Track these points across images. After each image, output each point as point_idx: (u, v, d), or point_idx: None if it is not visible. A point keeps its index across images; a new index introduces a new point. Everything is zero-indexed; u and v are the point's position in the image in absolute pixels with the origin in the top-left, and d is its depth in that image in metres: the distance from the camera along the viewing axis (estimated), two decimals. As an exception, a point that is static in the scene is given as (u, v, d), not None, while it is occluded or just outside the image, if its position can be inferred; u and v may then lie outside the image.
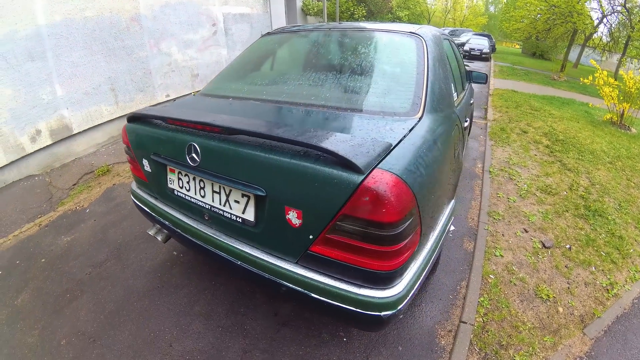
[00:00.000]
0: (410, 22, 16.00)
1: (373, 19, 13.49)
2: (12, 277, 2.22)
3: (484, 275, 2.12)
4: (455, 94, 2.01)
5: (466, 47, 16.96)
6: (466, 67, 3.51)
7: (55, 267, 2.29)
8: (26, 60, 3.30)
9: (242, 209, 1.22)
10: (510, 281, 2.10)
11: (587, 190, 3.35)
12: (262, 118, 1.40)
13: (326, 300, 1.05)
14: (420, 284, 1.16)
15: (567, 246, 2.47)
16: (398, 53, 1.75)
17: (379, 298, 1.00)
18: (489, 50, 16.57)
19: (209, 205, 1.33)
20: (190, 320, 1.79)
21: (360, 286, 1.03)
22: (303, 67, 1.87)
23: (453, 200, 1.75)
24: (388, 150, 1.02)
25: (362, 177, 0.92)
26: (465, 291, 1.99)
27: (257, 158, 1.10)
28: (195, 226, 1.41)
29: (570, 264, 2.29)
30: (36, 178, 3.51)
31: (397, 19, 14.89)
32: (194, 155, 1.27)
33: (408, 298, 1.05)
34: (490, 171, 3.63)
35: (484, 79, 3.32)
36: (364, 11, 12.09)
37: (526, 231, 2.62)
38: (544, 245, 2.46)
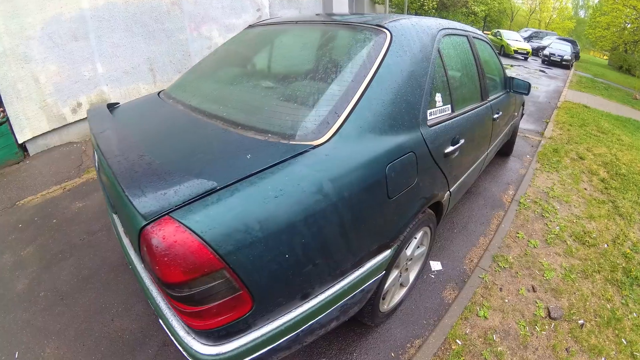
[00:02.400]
0: (480, 18, 14.00)
1: (445, 13, 12.12)
2: (28, 231, 2.47)
3: (448, 337, 1.72)
4: (446, 107, 1.59)
5: (546, 52, 14.66)
6: (507, 74, 2.85)
7: (60, 229, 2.50)
8: (70, 40, 3.55)
9: None
10: (482, 354, 1.67)
11: (635, 248, 2.55)
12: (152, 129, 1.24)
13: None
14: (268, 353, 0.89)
15: (580, 321, 1.89)
16: (342, 54, 1.37)
17: (199, 353, 0.81)
18: (570, 58, 14.17)
19: None
20: (135, 301, 1.85)
21: (187, 334, 0.85)
22: (242, 68, 1.65)
23: (389, 251, 1.26)
24: (202, 193, 0.74)
25: (143, 223, 0.70)
26: (414, 353, 1.64)
27: None
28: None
29: (575, 347, 1.75)
30: (74, 145, 3.86)
31: (472, 14, 13.15)
32: None
33: None
34: (520, 202, 2.99)
35: (526, 89, 2.69)
36: (434, 3, 10.86)
37: (534, 290, 2.08)
38: (549, 314, 1.92)
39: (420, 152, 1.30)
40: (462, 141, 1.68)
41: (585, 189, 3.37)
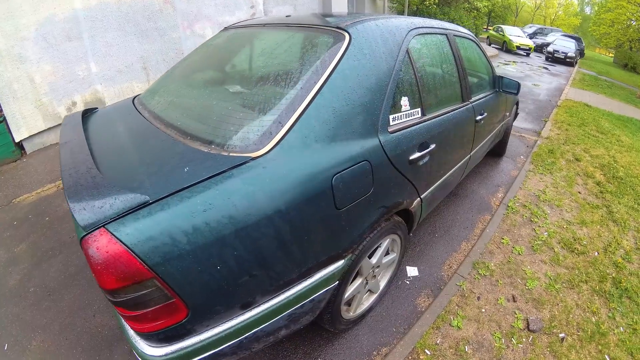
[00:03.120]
0: (483, 14, 13.50)
1: (447, 8, 11.74)
2: (22, 228, 2.49)
3: (417, 347, 1.64)
4: (414, 111, 1.50)
5: (550, 49, 14.21)
6: (495, 72, 2.71)
7: (52, 226, 2.51)
8: (64, 40, 3.54)
9: None
10: (450, 367, 1.58)
11: (627, 257, 2.40)
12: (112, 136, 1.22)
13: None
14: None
15: (561, 335, 1.78)
16: (296, 60, 1.30)
17: (145, 353, 0.87)
18: (574, 55, 13.71)
19: None
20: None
21: (136, 334, 0.91)
22: (204, 74, 1.60)
23: (342, 262, 1.21)
24: (134, 207, 0.75)
25: (82, 234, 0.73)
26: (380, 364, 1.56)
27: None
28: None
29: (551, 364, 1.65)
30: (70, 145, 3.86)
31: (475, 10, 12.69)
32: None
33: None
34: (509, 206, 2.85)
35: (515, 89, 2.55)
36: None
37: (514, 300, 1.97)
38: (527, 327, 1.81)
39: (377, 161, 1.23)
40: (432, 146, 1.58)
41: (579, 192, 3.20)
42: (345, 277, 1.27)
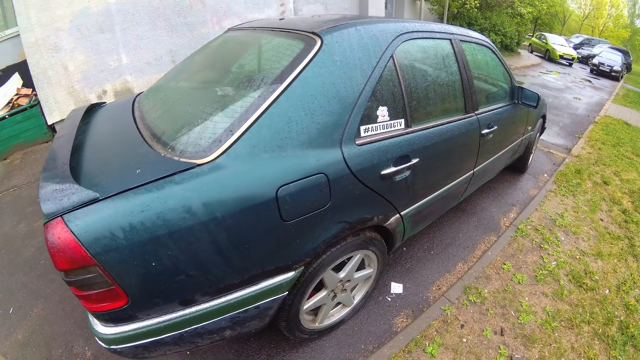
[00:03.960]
0: (527, 20, 12.50)
1: (489, 13, 11.02)
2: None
3: (383, 374, 1.53)
4: (395, 122, 1.39)
5: (595, 61, 13.15)
6: (514, 83, 2.47)
7: None
8: (97, 32, 3.73)
9: None
10: (414, 399, 1.46)
11: None
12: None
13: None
14: (150, 342, 0.99)
15: (549, 381, 1.58)
16: (264, 66, 1.29)
17: (96, 330, 0.98)
18: (620, 69, 12.60)
19: None
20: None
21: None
22: (189, 76, 1.59)
23: (291, 273, 1.17)
24: (86, 202, 0.84)
25: (45, 221, 0.84)
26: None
27: None
28: None
29: (530, 412, 1.46)
30: (98, 129, 4.10)
31: (518, 16, 11.80)
32: None
33: (123, 345, 0.97)
34: (519, 228, 2.60)
35: (534, 101, 2.32)
36: (477, 2, 9.90)
37: (502, 333, 1.78)
38: (511, 364, 1.63)
39: (336, 174, 1.15)
40: (415, 161, 1.45)
41: (601, 220, 2.85)
42: (299, 288, 1.24)
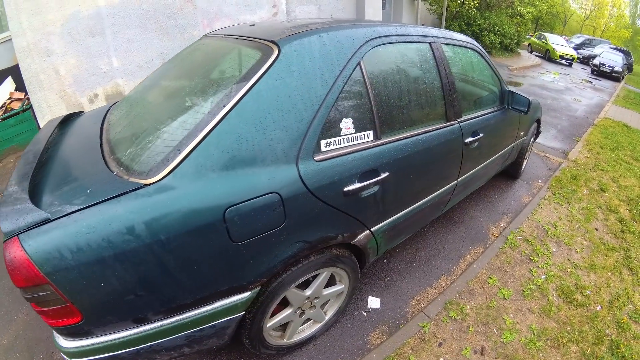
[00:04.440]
0: (527, 20, 12.24)
1: (488, 13, 10.77)
2: None
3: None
4: (362, 134, 1.29)
5: (596, 61, 12.83)
6: (504, 87, 2.33)
7: None
8: (87, 35, 3.67)
9: None
10: None
11: (635, 316, 1.95)
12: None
13: None
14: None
15: (529, 408, 1.46)
16: (218, 79, 1.22)
17: (57, 342, 0.98)
18: (621, 70, 12.29)
19: None
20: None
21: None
22: (153, 88, 1.50)
23: (247, 293, 1.11)
24: (39, 222, 0.82)
25: (4, 239, 0.82)
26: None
27: None
28: None
29: None
30: (91, 133, 4.05)
31: (518, 16, 11.51)
32: None
33: (83, 359, 0.97)
34: (508, 238, 2.47)
35: (525, 106, 2.19)
36: (476, 2, 9.67)
37: (482, 353, 1.66)
38: (489, 389, 1.51)
39: (291, 193, 1.07)
40: (384, 175, 1.34)
41: (597, 229, 2.69)
42: (259, 307, 1.19)
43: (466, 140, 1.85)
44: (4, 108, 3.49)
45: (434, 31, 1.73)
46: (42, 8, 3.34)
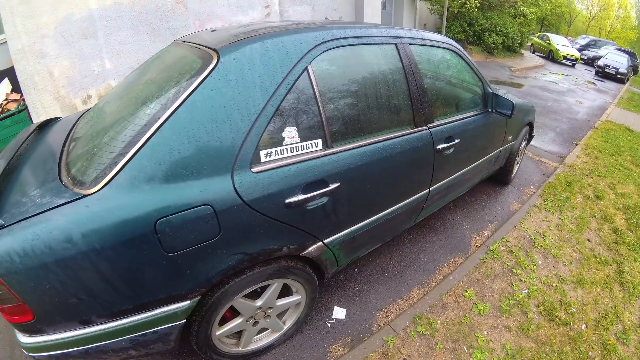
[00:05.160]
0: (531, 20, 11.82)
1: (490, 13, 10.39)
2: None
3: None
4: (308, 143, 1.20)
5: (600, 62, 12.31)
6: (488, 89, 2.16)
7: None
8: (80, 38, 3.63)
9: None
10: None
11: (623, 337, 1.76)
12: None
13: None
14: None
15: None
16: (161, 89, 1.15)
17: (17, 337, 1.02)
18: (626, 71, 11.72)
19: None
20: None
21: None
22: (118, 96, 1.43)
23: (187, 302, 1.10)
24: None
25: None
26: None
27: None
28: None
29: None
30: (85, 133, 4.03)
31: (522, 16, 11.07)
32: None
33: (39, 354, 1.02)
34: (490, 249, 2.29)
35: (508, 109, 2.02)
36: (477, 1, 9.33)
37: (448, 374, 1.52)
38: (451, 416, 1.37)
39: (225, 205, 1.03)
40: (334, 186, 1.22)
41: (589, 240, 2.49)
42: (203, 315, 1.17)
43: (438, 147, 1.70)
44: (0, 109, 3.49)
45: (402, 31, 1.58)
46: (36, 11, 3.31)
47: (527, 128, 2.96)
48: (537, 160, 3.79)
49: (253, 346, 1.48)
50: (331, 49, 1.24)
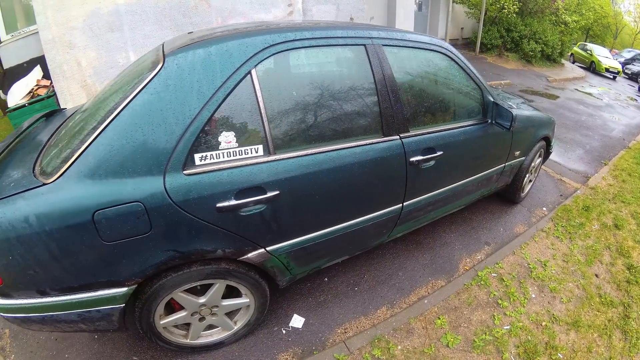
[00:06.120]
0: (572, 29, 10.66)
1: (529, 19, 9.54)
2: None
3: None
4: (247, 148, 1.17)
5: None
6: (487, 98, 1.92)
7: None
8: (107, 31, 3.79)
9: None
10: None
11: None
12: None
13: None
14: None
15: None
16: (122, 89, 1.21)
17: None
18: None
19: None
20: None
21: None
22: (107, 90, 1.45)
23: (124, 289, 1.15)
24: None
25: None
26: None
27: None
28: None
29: None
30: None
31: (563, 24, 10.01)
32: None
33: (7, 315, 1.12)
34: (479, 274, 2.04)
35: (508, 121, 1.80)
36: (516, 7, 8.60)
37: (398, 409, 1.35)
38: None
39: (155, 204, 1.07)
40: (272, 194, 1.14)
41: (597, 275, 2.14)
42: (144, 303, 1.22)
43: (412, 159, 1.51)
44: (31, 94, 3.75)
45: (376, 32, 1.40)
46: (66, 4, 3.50)
47: (542, 143, 2.62)
48: (557, 179, 3.36)
49: (202, 340, 1.49)
50: (281, 51, 1.18)
